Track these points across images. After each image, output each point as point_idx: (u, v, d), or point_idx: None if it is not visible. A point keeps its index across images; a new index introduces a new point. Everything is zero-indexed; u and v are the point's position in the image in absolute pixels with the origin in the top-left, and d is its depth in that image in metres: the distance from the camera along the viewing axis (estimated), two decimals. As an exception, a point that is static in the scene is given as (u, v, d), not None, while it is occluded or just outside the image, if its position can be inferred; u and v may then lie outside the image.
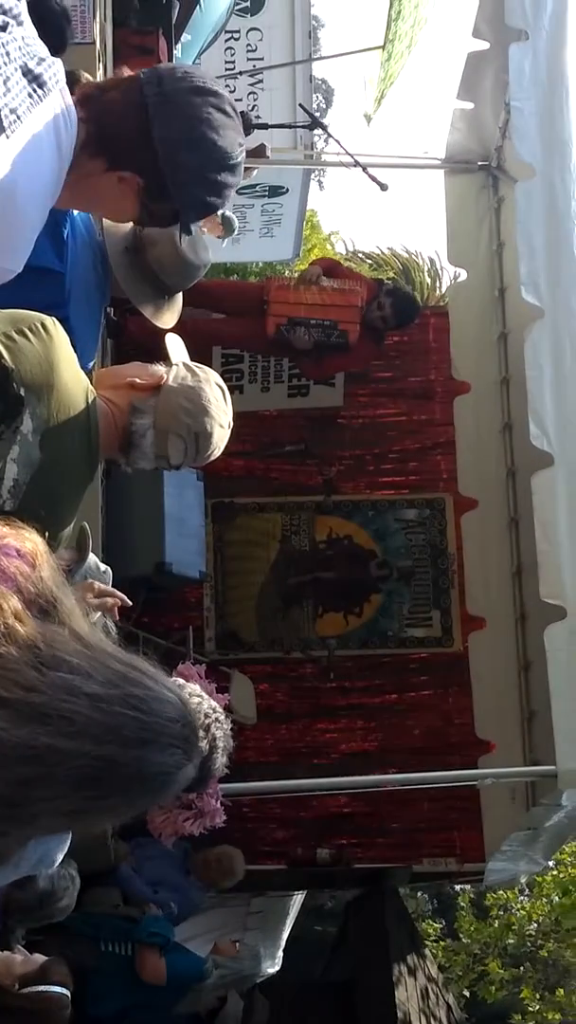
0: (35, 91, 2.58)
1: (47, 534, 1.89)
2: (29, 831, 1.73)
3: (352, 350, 9.84)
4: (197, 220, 3.05)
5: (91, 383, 3.26)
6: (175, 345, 3.55)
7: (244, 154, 2.94)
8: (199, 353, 3.63)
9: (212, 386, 3.40)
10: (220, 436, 3.36)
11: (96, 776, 1.66)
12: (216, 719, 4.01)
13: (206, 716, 3.96)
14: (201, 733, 3.74)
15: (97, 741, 1.65)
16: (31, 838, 1.78)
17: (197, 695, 4.04)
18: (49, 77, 2.61)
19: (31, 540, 1.84)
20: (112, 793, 1.71)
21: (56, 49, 2.76)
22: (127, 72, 2.88)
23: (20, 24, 2.63)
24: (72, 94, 2.73)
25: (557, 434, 7.19)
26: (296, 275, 10.21)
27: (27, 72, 2.58)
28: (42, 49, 2.67)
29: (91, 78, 7.48)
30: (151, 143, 2.75)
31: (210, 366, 3.56)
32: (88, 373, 3.45)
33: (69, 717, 1.63)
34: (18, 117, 2.52)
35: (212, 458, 3.43)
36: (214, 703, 4.12)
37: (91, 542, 4.05)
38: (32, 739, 1.60)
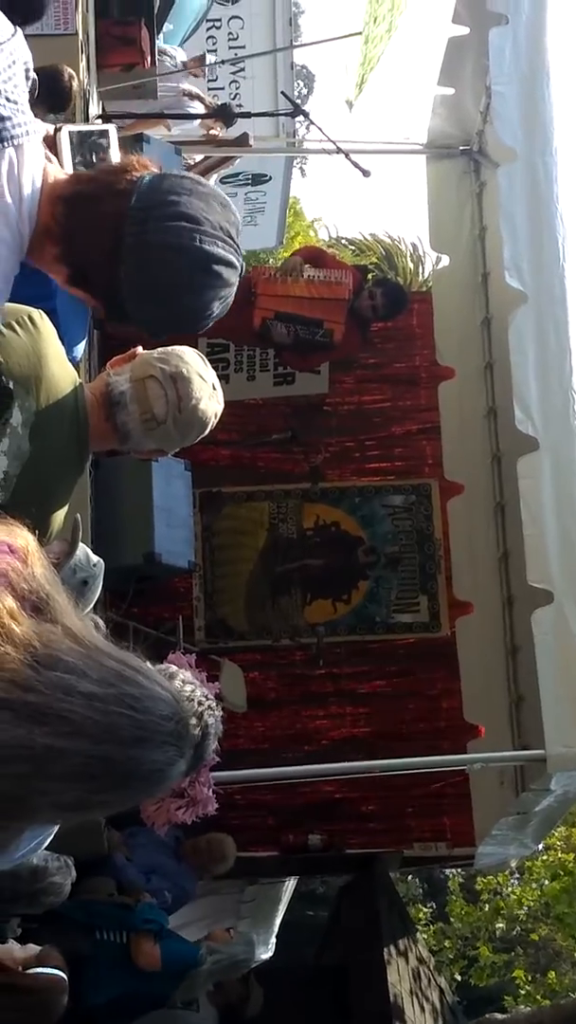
0: None
1: (37, 531, 1.90)
2: (26, 824, 1.75)
3: (336, 347, 9.87)
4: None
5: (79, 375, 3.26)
6: None
7: (230, 297, 2.77)
8: (185, 344, 3.63)
9: (186, 349, 3.40)
10: (201, 388, 3.28)
11: (92, 774, 1.67)
12: (208, 706, 4.03)
13: (199, 704, 3.98)
14: (194, 720, 3.76)
15: (93, 740, 1.66)
16: (27, 830, 1.80)
17: (190, 682, 4.05)
18: None
19: (23, 537, 1.85)
20: (107, 789, 1.73)
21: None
22: (127, 163, 2.71)
23: None
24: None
25: (542, 418, 7.20)
26: (279, 264, 10.18)
27: None
28: (4, 108, 2.53)
29: (73, 73, 7.51)
30: (117, 282, 2.64)
31: (195, 347, 3.54)
32: (76, 365, 3.44)
33: (66, 716, 1.64)
34: None
35: (203, 421, 3.31)
36: (206, 690, 4.13)
37: (81, 534, 4.07)
38: (29, 739, 1.61)
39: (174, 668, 4.08)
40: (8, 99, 2.52)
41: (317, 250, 10.95)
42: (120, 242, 2.59)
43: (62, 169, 2.69)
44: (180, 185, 2.65)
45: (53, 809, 1.72)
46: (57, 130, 2.79)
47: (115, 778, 1.71)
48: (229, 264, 2.68)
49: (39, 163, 2.60)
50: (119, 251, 2.59)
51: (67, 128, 2.82)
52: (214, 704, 4.10)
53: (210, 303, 2.72)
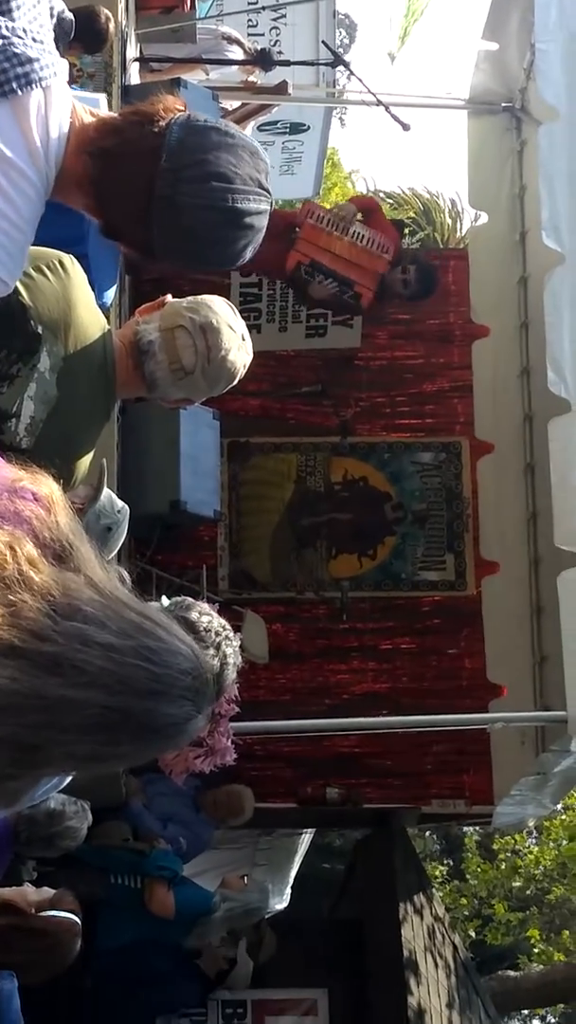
0: None
1: (61, 479, 1.89)
2: (40, 773, 1.74)
3: (363, 311, 9.84)
4: None
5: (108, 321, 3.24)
6: None
7: (262, 233, 2.73)
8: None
9: (215, 299, 3.37)
10: (230, 338, 3.28)
11: (107, 725, 1.67)
12: (226, 636, 4.00)
13: (216, 634, 3.95)
14: (212, 651, 3.76)
15: (109, 692, 1.65)
16: (41, 779, 1.79)
17: (207, 613, 4.03)
18: (13, 77, 2.45)
19: (47, 485, 1.83)
20: (123, 742, 1.72)
21: None
22: (153, 111, 2.60)
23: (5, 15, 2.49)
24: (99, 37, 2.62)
25: (575, 380, 7.16)
26: (333, 209, 10.02)
27: None
28: (31, 49, 2.49)
29: (110, 14, 7.46)
30: (150, 240, 2.62)
31: (228, 297, 3.53)
32: (106, 311, 3.42)
33: (81, 667, 1.63)
34: None
35: (231, 372, 3.32)
36: (223, 621, 4.11)
37: (106, 479, 4.06)
38: (44, 689, 1.61)
39: (190, 600, 4.05)
40: (35, 39, 2.50)
41: (373, 204, 10.65)
42: (151, 204, 2.56)
43: (87, 109, 2.66)
44: (208, 139, 2.60)
45: (67, 759, 1.71)
46: None
47: (130, 730, 1.70)
48: (261, 212, 2.66)
49: (67, 104, 2.56)
50: (150, 212, 2.57)
51: None
52: (232, 634, 4.07)
53: (243, 250, 2.70)
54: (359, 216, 9.60)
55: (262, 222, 2.68)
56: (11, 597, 1.64)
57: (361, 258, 9.47)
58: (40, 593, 1.66)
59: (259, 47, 10.92)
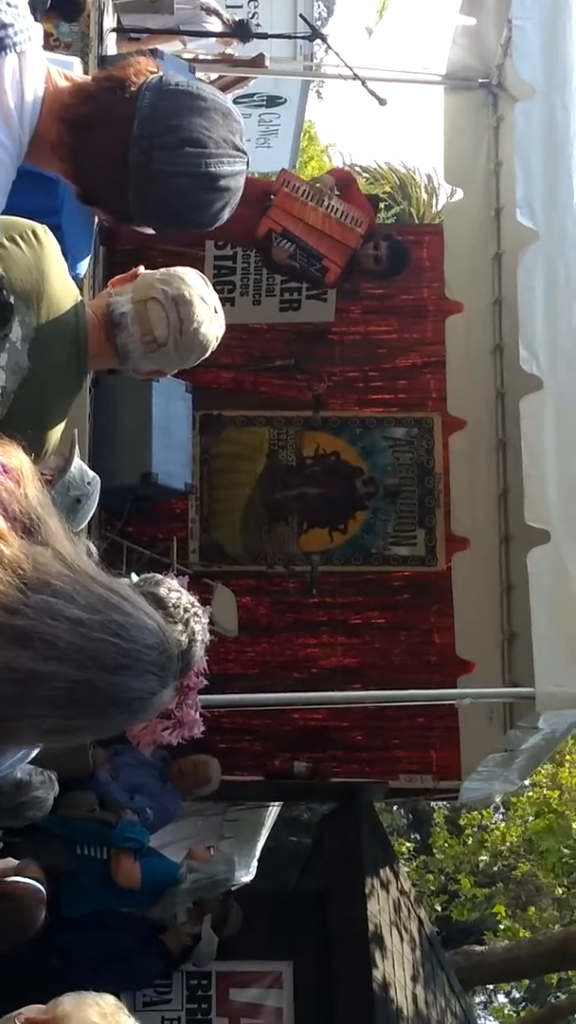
0: None
1: (32, 451, 1.88)
2: (6, 746, 1.75)
3: (326, 285, 9.81)
4: None
5: (81, 292, 3.23)
6: None
7: (240, 193, 2.75)
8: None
9: (188, 271, 3.37)
10: (203, 311, 3.27)
11: (75, 698, 1.67)
12: (195, 613, 4.02)
13: (185, 610, 3.97)
14: (180, 627, 3.77)
15: (77, 666, 1.66)
16: (9, 750, 1.80)
17: (176, 590, 4.04)
18: None
19: (17, 457, 1.83)
20: (89, 714, 1.73)
21: None
22: (124, 75, 2.60)
23: None
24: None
25: (547, 358, 7.17)
26: (310, 180, 9.97)
27: None
28: (5, 14, 2.48)
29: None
30: (127, 206, 2.65)
31: (202, 269, 3.52)
32: (79, 282, 3.40)
33: (51, 641, 1.64)
34: None
35: (203, 344, 3.32)
36: (192, 598, 4.12)
37: (77, 449, 4.05)
38: (13, 662, 1.61)
39: (160, 576, 4.06)
40: (9, 3, 2.49)
41: (350, 177, 10.60)
42: (127, 172, 2.58)
43: (62, 73, 2.65)
44: (181, 104, 2.61)
45: (35, 732, 1.72)
46: None
47: (96, 704, 1.71)
48: (236, 174, 2.69)
49: (41, 69, 2.56)
50: (126, 180, 2.59)
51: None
52: (200, 611, 4.08)
53: (220, 212, 2.74)
54: (335, 189, 9.56)
55: (238, 182, 2.70)
56: (-20, 571, 1.65)
57: (334, 230, 9.43)
58: (10, 566, 1.66)
59: (237, 19, 10.85)
